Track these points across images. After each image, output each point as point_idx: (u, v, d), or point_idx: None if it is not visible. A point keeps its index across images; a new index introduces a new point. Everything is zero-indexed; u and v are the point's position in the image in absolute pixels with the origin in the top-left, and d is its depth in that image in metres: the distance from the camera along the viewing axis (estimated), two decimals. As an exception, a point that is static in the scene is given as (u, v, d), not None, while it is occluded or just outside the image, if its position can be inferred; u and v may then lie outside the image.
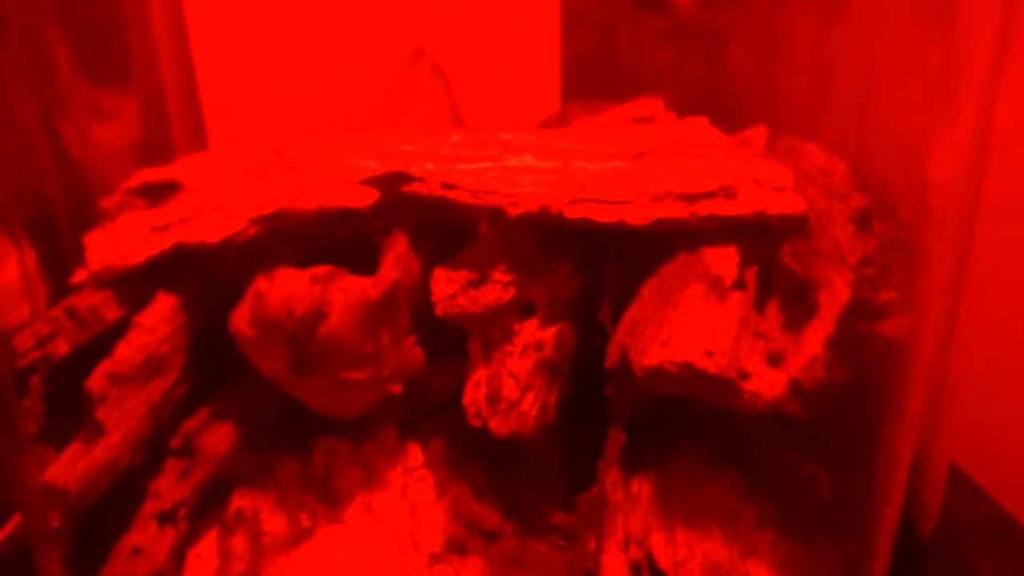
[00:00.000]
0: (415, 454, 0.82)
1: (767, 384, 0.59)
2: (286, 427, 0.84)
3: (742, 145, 0.88)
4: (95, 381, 0.71)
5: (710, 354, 0.60)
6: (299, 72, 1.11)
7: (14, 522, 0.70)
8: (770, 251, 0.74)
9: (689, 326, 0.63)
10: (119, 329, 0.77)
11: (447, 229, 0.82)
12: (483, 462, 0.82)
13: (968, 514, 0.82)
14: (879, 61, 0.91)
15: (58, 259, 1.03)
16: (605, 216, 0.73)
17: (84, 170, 1.12)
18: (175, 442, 0.78)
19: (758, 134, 0.90)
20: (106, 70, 1.13)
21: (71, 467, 0.68)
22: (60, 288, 1.01)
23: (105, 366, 0.72)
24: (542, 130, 0.91)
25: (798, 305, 0.67)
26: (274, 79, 1.12)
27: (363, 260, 0.82)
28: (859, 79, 0.93)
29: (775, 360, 0.63)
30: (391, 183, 0.79)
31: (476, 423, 0.75)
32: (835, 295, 0.62)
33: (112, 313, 0.76)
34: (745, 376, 0.60)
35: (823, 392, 0.59)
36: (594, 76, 1.12)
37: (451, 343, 0.82)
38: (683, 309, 0.65)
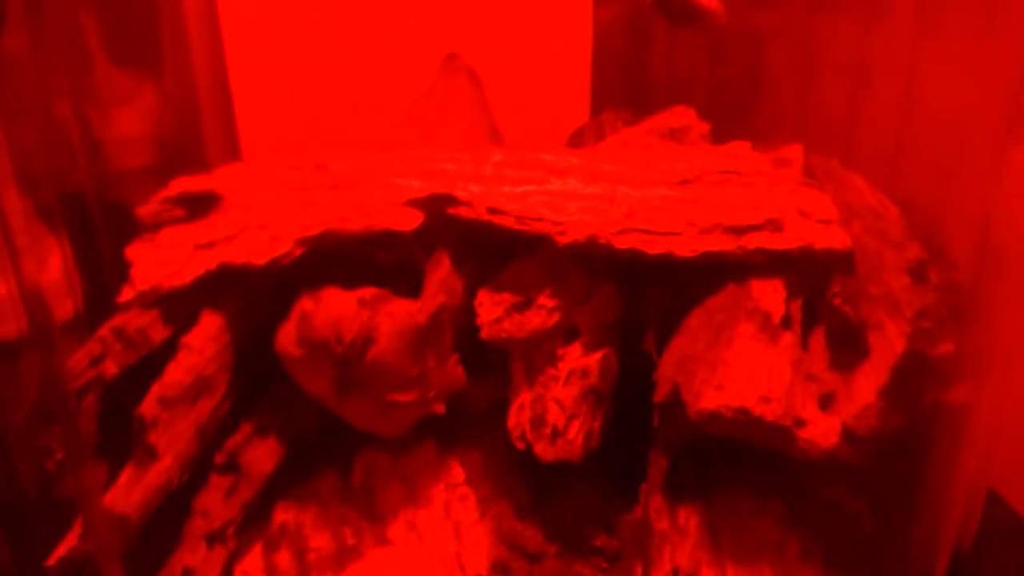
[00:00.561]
0: (456, 470, 0.83)
1: (822, 432, 0.61)
2: (325, 438, 0.85)
3: (780, 165, 0.88)
4: (148, 406, 0.72)
5: (766, 400, 0.61)
6: (330, 71, 1.11)
7: (68, 543, 0.71)
8: (814, 282, 0.74)
9: (743, 369, 0.64)
10: (165, 348, 0.78)
11: (490, 248, 0.82)
12: (524, 478, 0.83)
13: (999, 530, 0.83)
14: (922, 68, 0.89)
15: (89, 242, 1.04)
16: (653, 247, 0.73)
17: (107, 152, 1.12)
18: (219, 458, 0.79)
19: (795, 153, 0.90)
20: (134, 54, 1.13)
21: (129, 493, 0.70)
22: (93, 280, 1.02)
23: (156, 390, 0.73)
24: (585, 150, 0.91)
25: (846, 343, 0.68)
26: (305, 76, 1.12)
27: (402, 275, 0.83)
28: (898, 89, 0.93)
29: (826, 402, 0.64)
30: (436, 205, 0.80)
31: (521, 446, 0.76)
32: (889, 344, 0.62)
33: (159, 334, 0.77)
34: (801, 424, 0.61)
35: (875, 439, 0.61)
36: (625, 80, 1.11)
37: (489, 354, 0.83)
38: (736, 350, 0.66)
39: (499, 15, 1.08)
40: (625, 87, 1.10)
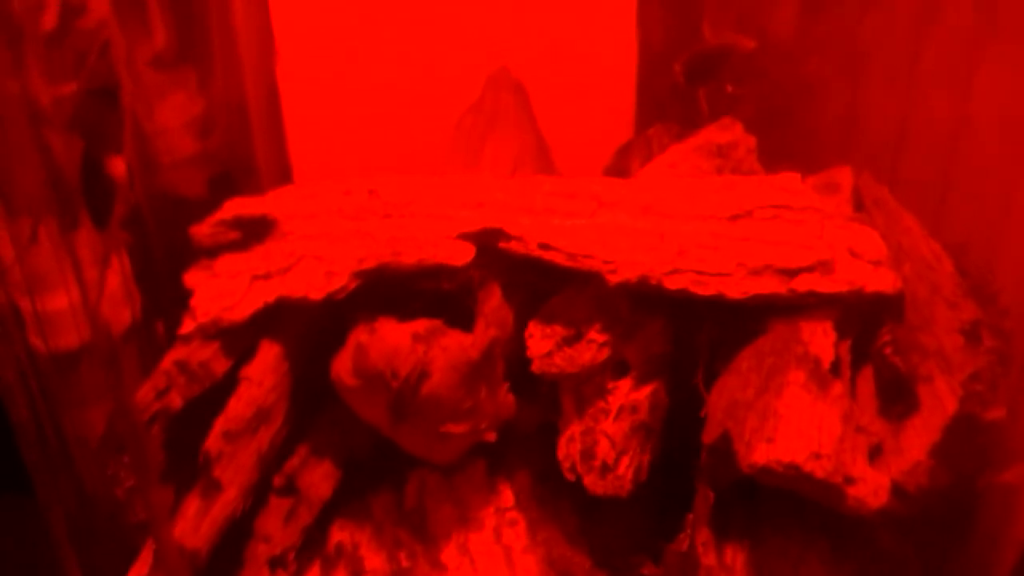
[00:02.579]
0: (506, 493, 0.85)
1: (871, 491, 0.62)
2: (379, 456, 0.87)
3: (829, 190, 0.88)
4: (212, 441, 0.74)
5: (816, 456, 0.62)
6: (380, 78, 1.11)
7: (138, 571, 0.74)
8: (864, 321, 0.75)
9: (793, 421, 0.65)
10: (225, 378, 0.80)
11: (541, 278, 0.83)
12: (572, 501, 0.85)
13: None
14: (981, 81, 0.86)
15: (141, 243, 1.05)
16: (704, 289, 0.74)
17: (151, 145, 1.14)
18: (278, 480, 0.82)
19: (844, 177, 0.90)
20: (183, 52, 1.14)
21: (197, 527, 0.73)
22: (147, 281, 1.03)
23: (220, 424, 0.76)
24: (634, 180, 0.92)
25: (895, 392, 0.68)
26: (353, 83, 1.12)
27: (454, 301, 0.84)
28: (953, 104, 0.90)
29: (874, 453, 0.65)
30: (488, 238, 0.81)
31: (571, 478, 0.78)
32: (939, 400, 0.63)
33: (221, 366, 0.79)
34: (850, 481, 0.62)
35: (924, 496, 0.62)
36: (670, 90, 1.11)
37: (537, 378, 0.84)
38: (786, 400, 0.67)
39: (543, 24, 1.07)
40: (671, 97, 1.10)
